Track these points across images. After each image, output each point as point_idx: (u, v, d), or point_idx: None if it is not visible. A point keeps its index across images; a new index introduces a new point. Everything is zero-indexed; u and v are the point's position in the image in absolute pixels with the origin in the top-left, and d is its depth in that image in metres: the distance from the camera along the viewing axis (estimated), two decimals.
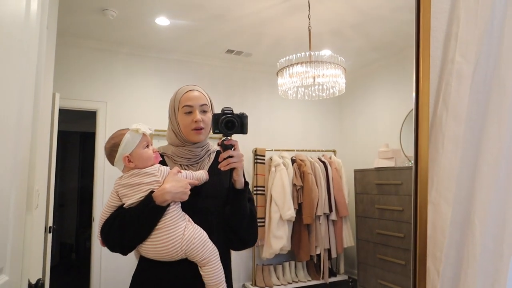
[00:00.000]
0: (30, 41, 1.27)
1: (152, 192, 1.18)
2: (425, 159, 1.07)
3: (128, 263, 4.03)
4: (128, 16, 3.39)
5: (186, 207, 1.24)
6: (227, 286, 1.28)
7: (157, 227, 1.16)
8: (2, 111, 1.06)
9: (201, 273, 1.19)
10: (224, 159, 1.22)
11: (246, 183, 1.31)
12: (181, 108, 1.33)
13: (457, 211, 1.03)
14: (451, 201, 1.04)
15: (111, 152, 1.26)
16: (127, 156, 1.24)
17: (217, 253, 1.21)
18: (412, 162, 3.38)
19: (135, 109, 4.09)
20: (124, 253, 1.22)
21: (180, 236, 1.16)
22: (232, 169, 1.25)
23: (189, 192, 1.21)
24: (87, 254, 4.31)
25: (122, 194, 1.22)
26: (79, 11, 3.29)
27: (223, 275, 1.21)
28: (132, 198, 1.19)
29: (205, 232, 1.22)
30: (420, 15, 1.11)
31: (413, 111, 1.12)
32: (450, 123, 1.07)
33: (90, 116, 4.13)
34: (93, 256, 3.83)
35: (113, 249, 1.22)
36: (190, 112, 1.32)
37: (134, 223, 1.16)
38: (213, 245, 1.22)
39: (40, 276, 2.26)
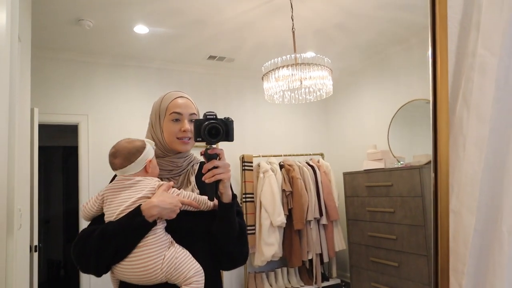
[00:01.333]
0: (0, 55, 1.20)
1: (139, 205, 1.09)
2: (445, 164, 0.98)
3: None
4: (105, 25, 3.32)
5: (167, 227, 1.13)
6: None
7: (138, 244, 1.06)
8: None
9: None
10: (209, 170, 1.09)
11: (234, 196, 1.19)
12: (168, 114, 1.24)
13: (481, 220, 0.97)
14: (475, 210, 0.96)
15: (136, 152, 1.17)
16: (150, 160, 1.19)
17: (202, 274, 1.11)
18: (401, 163, 3.36)
19: (117, 121, 4.00)
20: (99, 273, 1.10)
21: (161, 256, 1.06)
22: (218, 181, 1.11)
23: (178, 211, 1.11)
24: (75, 270, 4.17)
25: (110, 200, 1.13)
26: (54, 22, 3.21)
27: None
28: (116, 207, 1.11)
29: (188, 253, 1.12)
30: (435, 2, 0.99)
31: (431, 112, 1.02)
32: (472, 124, 0.99)
33: (72, 130, 4.02)
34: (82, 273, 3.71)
35: (86, 268, 1.10)
36: (177, 120, 1.23)
37: (116, 236, 1.05)
38: (198, 264, 1.11)
39: None
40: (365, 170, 3.88)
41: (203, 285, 1.10)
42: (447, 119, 1.00)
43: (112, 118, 3.99)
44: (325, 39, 3.88)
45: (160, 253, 1.06)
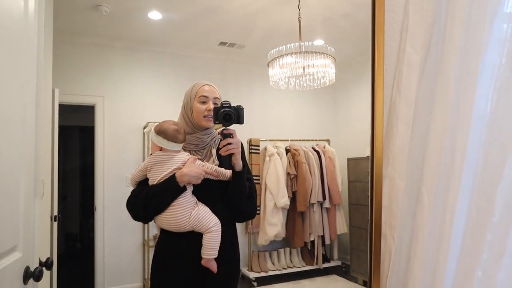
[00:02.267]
0: (29, 40, 1.38)
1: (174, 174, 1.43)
2: (379, 139, 1.22)
3: (129, 250, 4.19)
4: (121, 11, 3.48)
5: (198, 186, 1.47)
6: (234, 252, 1.58)
7: (172, 203, 1.42)
8: (9, 107, 1.18)
9: (203, 237, 1.43)
10: (224, 146, 1.44)
11: (244, 165, 1.52)
12: (197, 97, 1.55)
13: (409, 184, 1.17)
14: (404, 176, 1.18)
15: (182, 132, 1.54)
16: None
17: (219, 225, 1.46)
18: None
19: (131, 103, 4.19)
20: (146, 221, 1.52)
21: (188, 213, 1.43)
22: (231, 154, 1.46)
23: (202, 178, 1.45)
24: (91, 243, 4.44)
25: (153, 169, 1.48)
26: (73, 8, 3.38)
27: (218, 245, 1.45)
28: (158, 174, 1.46)
29: (209, 209, 1.47)
30: (375, 8, 1.26)
31: (370, 98, 1.27)
32: (402, 106, 1.21)
33: (88, 111, 4.24)
34: (97, 244, 3.97)
35: (136, 217, 1.50)
36: (204, 102, 1.55)
37: (157, 197, 1.42)
38: (216, 218, 1.46)
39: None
40: (368, 156, 4.01)
41: (220, 233, 1.45)
42: (381, 103, 1.25)
43: (127, 100, 4.19)
44: (333, 28, 3.97)
45: (187, 211, 1.43)
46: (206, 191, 1.51)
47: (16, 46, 1.26)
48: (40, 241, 2.20)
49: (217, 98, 1.58)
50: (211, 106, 1.54)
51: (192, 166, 1.45)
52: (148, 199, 1.44)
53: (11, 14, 1.22)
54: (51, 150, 2.67)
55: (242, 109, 1.48)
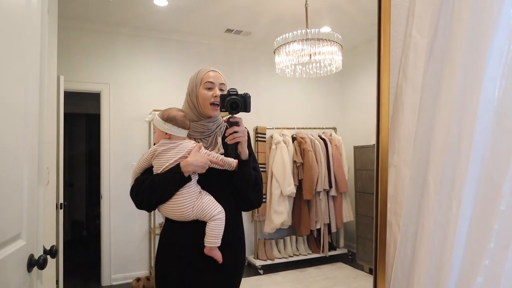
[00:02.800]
0: (32, 26, 1.36)
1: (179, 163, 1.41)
2: (385, 126, 1.19)
3: (135, 238, 4.22)
4: None
5: (203, 174, 1.45)
6: (239, 241, 1.57)
7: (176, 192, 1.41)
8: (11, 94, 1.16)
9: (207, 225, 1.42)
10: (230, 134, 1.41)
11: (250, 154, 1.50)
12: (203, 83, 1.51)
13: (415, 172, 1.15)
14: (410, 164, 1.15)
15: (188, 118, 1.52)
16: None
17: (223, 213, 1.44)
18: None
19: (137, 90, 4.18)
20: (149, 210, 1.48)
21: (192, 202, 1.41)
22: (237, 143, 1.43)
23: (207, 167, 1.43)
24: (97, 230, 4.48)
25: (158, 157, 1.45)
26: None
27: (221, 233, 1.43)
28: (163, 163, 1.44)
29: (213, 198, 1.45)
30: None
31: (376, 84, 1.23)
32: (408, 92, 1.18)
33: (94, 98, 4.23)
34: (103, 232, 4.00)
35: (140, 206, 1.47)
36: (210, 88, 1.51)
37: (162, 186, 1.40)
38: (220, 206, 1.44)
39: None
40: (374, 144, 3.97)
41: (223, 221, 1.44)
42: (387, 89, 1.21)
43: (133, 87, 4.17)
44: (340, 14, 3.90)
45: (191, 201, 1.42)
46: (211, 180, 1.49)
47: (19, 31, 1.24)
48: (46, 228, 2.22)
49: (223, 84, 1.55)
50: (218, 92, 1.50)
51: (197, 155, 1.42)
52: (152, 188, 1.42)
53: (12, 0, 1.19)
54: (56, 137, 2.67)
55: (249, 97, 1.45)
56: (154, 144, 1.52)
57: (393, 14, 1.21)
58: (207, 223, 1.43)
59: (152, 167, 1.48)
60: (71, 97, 4.83)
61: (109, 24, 4.05)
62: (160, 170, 1.44)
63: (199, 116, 1.54)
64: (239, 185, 1.50)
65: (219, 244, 1.43)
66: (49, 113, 2.34)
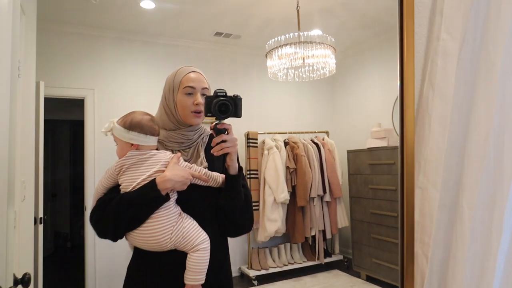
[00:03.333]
0: (1, 28, 1.21)
1: (154, 179, 1.15)
2: (411, 142, 1.02)
3: (123, 250, 4.02)
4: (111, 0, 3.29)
5: (182, 193, 1.20)
6: (227, 274, 1.32)
7: (151, 215, 1.13)
8: None
9: (188, 257, 1.16)
10: (217, 143, 1.17)
11: (240, 169, 1.26)
12: (182, 88, 1.27)
13: (445, 195, 1.00)
14: (439, 186, 1.00)
15: (156, 122, 1.28)
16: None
17: (208, 241, 1.18)
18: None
19: (123, 95, 4.01)
20: (115, 239, 1.18)
21: (170, 228, 1.14)
22: (225, 154, 1.20)
23: (189, 183, 1.18)
24: (82, 242, 4.29)
25: (127, 173, 1.18)
26: None
27: (206, 267, 1.17)
28: (133, 179, 1.17)
29: (196, 223, 1.19)
30: None
31: (398, 93, 1.06)
32: (437, 104, 1.02)
33: (79, 104, 4.05)
34: (87, 245, 3.81)
35: (103, 234, 1.17)
36: (190, 94, 1.27)
37: (132, 208, 1.12)
38: (204, 233, 1.19)
39: (30, 269, 2.24)
40: (368, 148, 3.88)
41: (209, 251, 1.18)
42: (412, 99, 1.05)
43: (119, 93, 4.01)
44: (331, 17, 3.81)
45: (170, 225, 1.14)
46: (193, 199, 1.23)
47: None
48: (22, 247, 2.05)
49: (206, 88, 1.30)
50: (199, 99, 1.26)
51: (176, 169, 1.17)
52: (119, 211, 1.12)
53: None
54: (35, 147, 2.50)
55: (240, 99, 1.20)
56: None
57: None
58: (188, 255, 1.16)
59: (118, 185, 1.20)
60: (54, 104, 4.64)
61: (93, 27, 3.89)
62: (130, 188, 1.15)
63: (177, 125, 1.30)
64: (226, 206, 1.25)
65: (203, 281, 1.16)
66: (27, 122, 2.18)
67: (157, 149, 1.25)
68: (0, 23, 1.23)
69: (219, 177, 1.26)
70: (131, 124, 1.21)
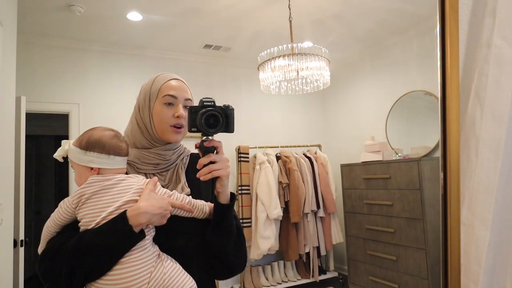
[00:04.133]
0: None
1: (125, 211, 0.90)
2: (455, 170, 0.84)
3: None
4: (97, 11, 3.19)
5: (161, 227, 0.95)
6: None
7: (121, 260, 0.86)
8: None
9: None
10: (205, 165, 0.94)
11: (233, 196, 1.03)
12: (161, 97, 1.06)
13: (498, 235, 0.84)
14: (489, 222, 0.83)
15: (123, 139, 1.04)
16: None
17: (195, 287, 0.95)
18: (399, 155, 3.26)
19: (109, 110, 3.88)
20: None
21: (147, 274, 0.87)
22: (214, 179, 0.96)
23: (169, 215, 0.94)
24: None
25: (88, 204, 0.91)
26: (42, 7, 3.07)
27: None
28: (96, 213, 0.90)
29: (179, 266, 0.94)
30: None
31: (439, 111, 0.90)
32: (487, 124, 0.85)
33: (64, 119, 3.91)
34: None
35: (53, 285, 0.88)
36: (171, 104, 1.05)
37: (96, 249, 0.85)
38: (191, 279, 0.94)
39: None
40: (362, 162, 3.81)
41: None
42: (457, 118, 0.87)
43: (105, 107, 3.88)
44: (322, 29, 3.77)
45: (147, 270, 0.88)
46: (173, 235, 0.99)
47: None
48: (0, 272, 1.89)
49: (189, 99, 1.09)
50: (181, 111, 1.04)
51: (152, 197, 0.92)
52: (78, 256, 0.85)
53: None
54: (15, 164, 2.35)
55: (232, 110, 0.97)
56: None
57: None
58: None
59: (76, 222, 0.93)
60: (38, 119, 4.48)
61: (78, 40, 3.77)
62: (93, 225, 0.89)
63: (152, 142, 1.07)
64: (215, 243, 1.00)
65: None
66: (5, 139, 2.04)
67: (126, 173, 1.02)
68: None
69: (205, 206, 1.02)
70: (89, 142, 0.97)
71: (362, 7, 3.29)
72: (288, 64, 2.59)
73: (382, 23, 3.67)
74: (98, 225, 0.88)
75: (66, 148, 1.01)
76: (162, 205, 0.92)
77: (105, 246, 0.85)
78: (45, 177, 5.98)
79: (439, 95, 0.90)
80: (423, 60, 3.74)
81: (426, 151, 3.59)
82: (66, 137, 3.82)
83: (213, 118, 0.94)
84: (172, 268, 0.92)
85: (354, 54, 4.57)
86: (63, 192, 5.76)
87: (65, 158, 1.03)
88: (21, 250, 2.46)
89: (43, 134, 5.49)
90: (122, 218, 0.88)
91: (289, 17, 2.95)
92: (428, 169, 3.19)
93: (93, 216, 0.90)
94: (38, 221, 5.69)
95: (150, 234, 0.93)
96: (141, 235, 0.89)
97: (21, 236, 2.46)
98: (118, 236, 0.86)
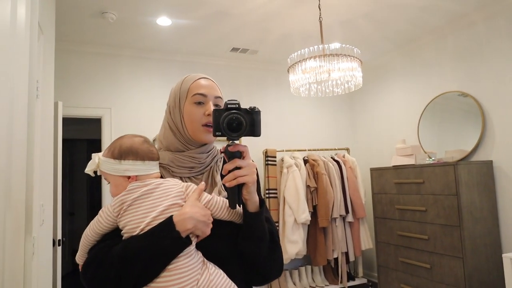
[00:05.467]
0: (19, 47, 1.14)
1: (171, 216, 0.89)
2: None
3: None
4: (128, 18, 3.26)
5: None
6: None
7: (168, 267, 0.85)
8: None
9: None
10: (230, 171, 0.90)
11: (262, 202, 0.98)
12: (190, 96, 1.04)
13: None
14: None
15: (152, 144, 1.04)
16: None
17: None
18: (432, 159, 3.17)
19: (140, 114, 3.96)
20: None
21: (195, 281, 0.86)
22: (240, 185, 0.92)
23: (211, 225, 0.92)
24: None
25: (130, 212, 0.90)
26: (78, 15, 3.17)
27: None
28: (139, 219, 0.89)
29: (223, 273, 0.92)
30: None
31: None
32: None
33: (96, 122, 4.01)
34: None
35: None
36: (201, 103, 1.03)
37: (143, 256, 0.83)
38: (234, 285, 0.93)
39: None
40: (394, 166, 3.72)
41: None
42: None
43: (135, 111, 3.96)
44: (352, 29, 3.72)
45: (194, 277, 0.86)
46: (215, 245, 0.95)
47: (1, 54, 1.01)
48: (41, 269, 1.95)
49: (219, 97, 1.07)
50: (211, 108, 1.02)
51: (197, 205, 0.91)
52: (126, 261, 0.84)
53: None
54: (53, 168, 2.42)
55: (258, 112, 0.92)
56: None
57: None
58: None
59: (116, 230, 0.92)
60: (71, 123, 4.62)
61: (110, 46, 3.87)
62: (138, 231, 0.87)
63: (185, 145, 1.05)
64: (248, 249, 0.97)
65: None
66: (46, 143, 2.11)
67: (161, 177, 1.01)
68: (18, 45, 1.16)
69: (240, 210, 0.98)
70: (121, 151, 0.96)
71: (394, 6, 3.23)
72: (320, 66, 2.56)
73: (415, 21, 3.58)
74: (143, 231, 0.87)
75: (97, 161, 0.99)
76: (207, 213, 0.91)
77: (154, 250, 0.84)
78: (78, 180, 6.15)
79: None
80: (459, 59, 3.63)
81: (462, 154, 3.47)
82: (99, 141, 3.92)
83: (236, 122, 0.89)
84: (217, 276, 0.90)
85: (384, 54, 4.49)
86: (94, 195, 5.91)
87: (96, 172, 1.02)
88: (59, 249, 2.54)
89: (76, 138, 5.66)
90: (169, 223, 0.87)
91: (319, 18, 2.92)
92: (466, 173, 3.08)
93: (136, 222, 0.89)
94: (72, 222, 5.87)
95: (194, 241, 0.92)
96: (188, 240, 0.88)
97: (59, 236, 2.54)
98: (166, 241, 0.85)
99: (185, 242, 0.87)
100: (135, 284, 0.84)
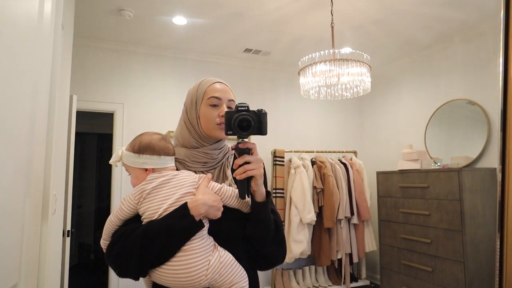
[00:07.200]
0: (44, 42, 1.20)
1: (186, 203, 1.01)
2: None
3: None
4: (145, 16, 3.34)
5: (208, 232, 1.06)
6: None
7: (183, 247, 0.97)
8: (14, 116, 0.99)
9: None
10: (240, 165, 1.03)
11: (268, 194, 1.11)
12: (206, 99, 1.16)
13: None
14: None
15: (169, 141, 1.15)
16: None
17: (246, 277, 1.05)
18: (438, 164, 3.19)
19: (152, 110, 4.04)
20: (138, 277, 1.00)
21: (206, 262, 0.97)
22: (249, 178, 1.05)
23: (222, 209, 1.05)
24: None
25: (149, 199, 1.02)
26: (95, 11, 3.25)
27: None
28: (157, 205, 1.00)
29: (232, 257, 1.04)
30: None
31: (500, 115, 0.82)
32: None
33: (107, 117, 4.09)
34: None
35: (125, 272, 0.99)
36: (216, 106, 1.16)
37: (163, 237, 0.95)
38: (242, 268, 1.05)
39: (57, 281, 2.21)
40: (400, 170, 3.75)
41: None
42: None
43: (147, 107, 4.03)
44: (363, 35, 3.76)
45: (206, 258, 0.97)
46: (223, 226, 1.08)
47: (29, 47, 1.08)
48: (51, 259, 2.02)
49: (232, 100, 1.19)
50: (225, 110, 1.13)
51: (207, 192, 1.03)
52: (146, 242, 0.95)
53: (24, 13, 1.04)
54: (66, 160, 2.50)
55: (265, 114, 1.05)
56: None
57: None
58: None
59: (135, 217, 1.05)
60: (83, 117, 4.71)
61: (125, 42, 3.95)
62: (156, 216, 1.00)
63: (200, 142, 1.18)
64: (255, 238, 1.10)
65: None
66: (60, 135, 2.18)
67: (177, 170, 1.14)
68: (43, 39, 1.22)
69: (249, 201, 1.11)
70: (140, 147, 1.09)
71: (405, 13, 3.26)
72: (330, 70, 2.61)
73: (425, 29, 3.61)
74: (161, 216, 0.99)
75: (120, 154, 1.12)
76: (217, 199, 1.04)
77: (172, 232, 0.96)
78: (87, 173, 6.25)
79: (499, 105, 0.86)
80: (467, 68, 3.65)
81: (467, 161, 3.49)
82: (110, 135, 4.00)
83: (246, 122, 1.03)
84: (227, 258, 1.02)
85: (394, 60, 4.52)
86: (103, 189, 6.00)
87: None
88: (68, 240, 2.61)
89: (87, 131, 5.75)
90: (184, 208, 0.99)
91: (331, 23, 2.96)
92: (469, 179, 3.10)
93: (155, 208, 1.00)
94: (79, 214, 5.97)
95: (207, 224, 1.03)
96: (202, 224, 1.00)
97: (68, 227, 2.61)
98: (183, 223, 0.97)
99: (199, 225, 0.99)
100: (154, 261, 0.96)
